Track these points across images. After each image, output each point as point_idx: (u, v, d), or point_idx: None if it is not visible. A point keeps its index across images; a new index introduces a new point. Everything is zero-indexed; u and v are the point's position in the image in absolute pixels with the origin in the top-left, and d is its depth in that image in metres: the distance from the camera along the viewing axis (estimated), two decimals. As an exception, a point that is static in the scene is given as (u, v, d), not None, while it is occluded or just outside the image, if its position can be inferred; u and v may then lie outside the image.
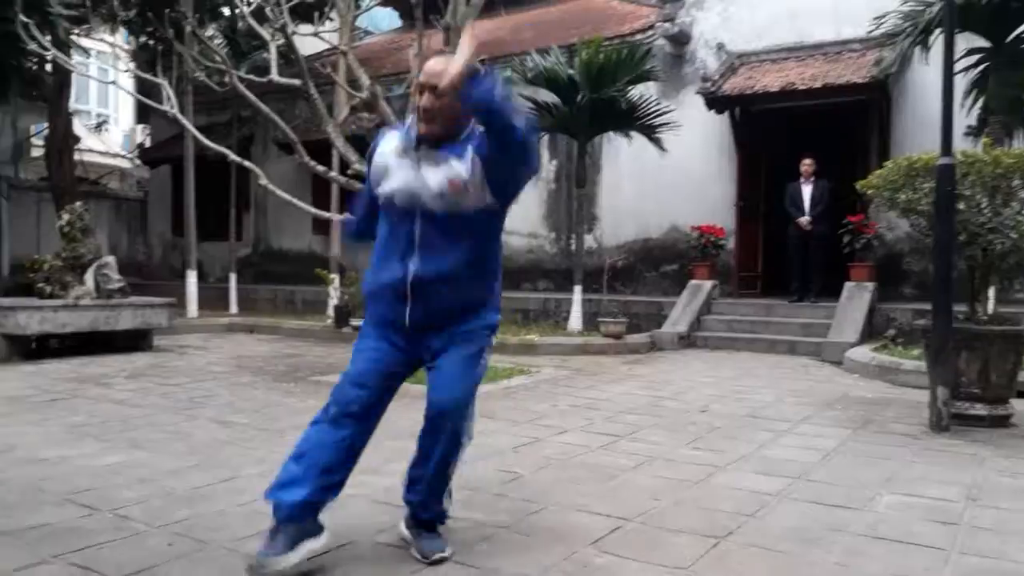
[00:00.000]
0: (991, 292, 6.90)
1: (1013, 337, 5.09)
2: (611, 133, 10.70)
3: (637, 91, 10.06)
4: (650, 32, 11.68)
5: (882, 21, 8.05)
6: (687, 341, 9.39)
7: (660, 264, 11.67)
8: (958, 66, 6.44)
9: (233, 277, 13.19)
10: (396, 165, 2.56)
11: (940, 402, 4.82)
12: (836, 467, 4.00)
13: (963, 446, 4.48)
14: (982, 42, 7.46)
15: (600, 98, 9.49)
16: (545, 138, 12.21)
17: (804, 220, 9.59)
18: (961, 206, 4.97)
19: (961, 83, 7.20)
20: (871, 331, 8.87)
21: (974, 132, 7.76)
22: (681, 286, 10.45)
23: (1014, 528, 3.06)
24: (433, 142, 2.51)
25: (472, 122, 2.53)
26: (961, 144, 6.47)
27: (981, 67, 7.53)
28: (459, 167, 2.47)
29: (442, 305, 2.55)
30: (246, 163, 7.48)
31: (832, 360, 8.14)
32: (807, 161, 9.76)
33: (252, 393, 6.07)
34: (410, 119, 2.58)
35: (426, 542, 2.65)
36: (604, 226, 12.19)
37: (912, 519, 3.15)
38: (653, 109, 10.02)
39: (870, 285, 9.20)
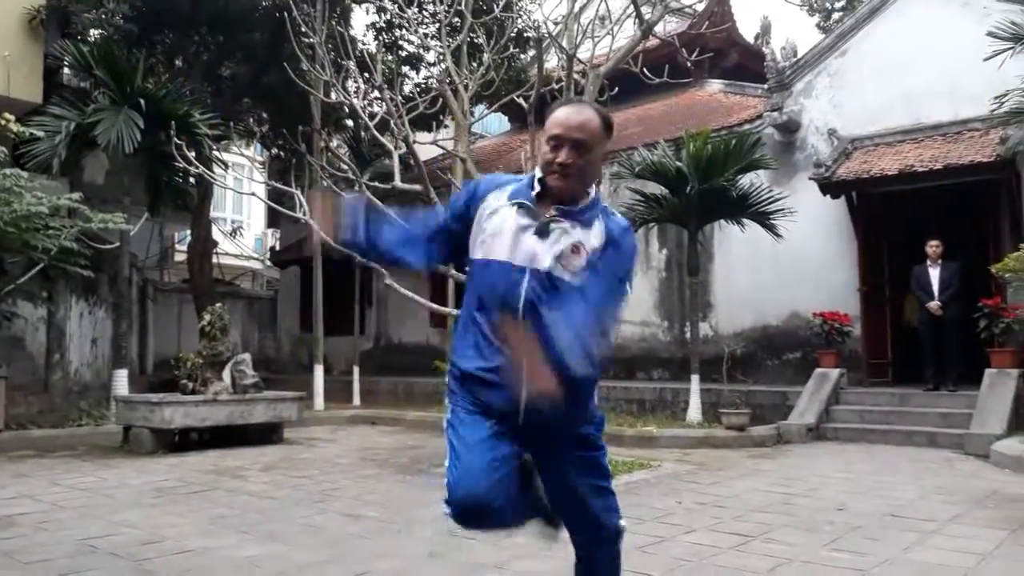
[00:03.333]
0: None
1: None
2: (722, 221, 10.67)
3: (747, 179, 10.04)
4: (758, 122, 11.72)
5: (1004, 99, 7.82)
6: (816, 433, 8.98)
7: (781, 352, 11.32)
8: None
9: (356, 370, 13.67)
10: (512, 226, 2.18)
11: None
12: (995, 573, 3.70)
13: None
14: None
15: (710, 188, 9.52)
16: (655, 228, 12.31)
17: (934, 305, 9.12)
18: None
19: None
20: (1019, 422, 8.23)
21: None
22: (805, 375, 10.07)
23: None
24: (557, 201, 2.20)
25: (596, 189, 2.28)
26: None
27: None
28: (584, 235, 2.19)
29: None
30: (371, 264, 7.86)
31: (977, 453, 7.58)
32: (933, 243, 9.34)
33: (377, 485, 6.22)
34: (526, 177, 2.27)
35: None
36: (719, 314, 12.00)
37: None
38: (765, 196, 9.96)
39: (1014, 372, 8.58)
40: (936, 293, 9.15)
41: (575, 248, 2.17)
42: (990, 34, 8.34)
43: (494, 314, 2.16)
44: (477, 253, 2.24)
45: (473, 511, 2.15)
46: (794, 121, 11.32)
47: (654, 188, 10.30)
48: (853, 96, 10.99)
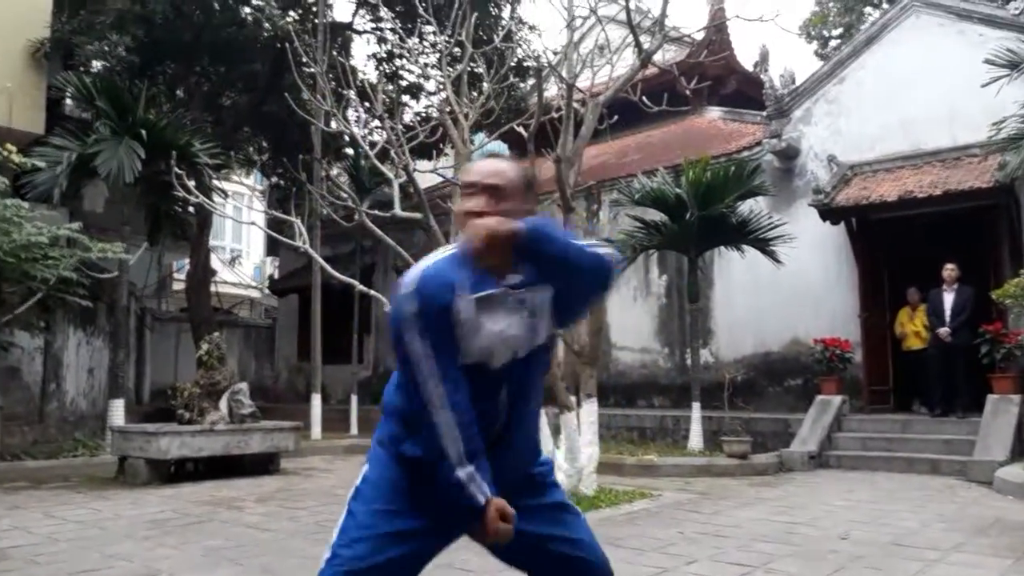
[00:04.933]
0: None
1: None
2: (722, 248, 10.68)
3: (747, 206, 10.06)
4: (757, 148, 11.77)
5: (1002, 126, 7.85)
6: (818, 461, 8.89)
7: (783, 378, 11.26)
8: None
9: (354, 399, 13.59)
10: (481, 312, 1.86)
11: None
12: (1003, 605, 3.63)
13: None
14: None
15: (709, 214, 9.54)
16: (654, 254, 12.30)
17: (944, 331, 9.04)
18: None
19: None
20: (1022, 448, 8.16)
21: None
22: (806, 401, 10.00)
23: None
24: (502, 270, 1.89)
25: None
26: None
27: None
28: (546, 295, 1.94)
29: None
30: (371, 291, 7.86)
31: (980, 480, 7.50)
32: (949, 267, 9.22)
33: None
34: (452, 250, 1.95)
35: None
36: (720, 340, 11.95)
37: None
38: (765, 223, 9.97)
39: (1016, 398, 8.51)
40: (948, 318, 9.10)
41: (536, 312, 1.94)
42: (987, 61, 8.40)
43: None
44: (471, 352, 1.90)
45: None
46: (793, 148, 11.37)
47: (654, 215, 10.31)
48: (852, 123, 11.04)
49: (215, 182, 12.53)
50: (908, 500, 6.65)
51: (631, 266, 11.63)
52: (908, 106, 10.45)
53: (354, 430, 13.25)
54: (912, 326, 9.72)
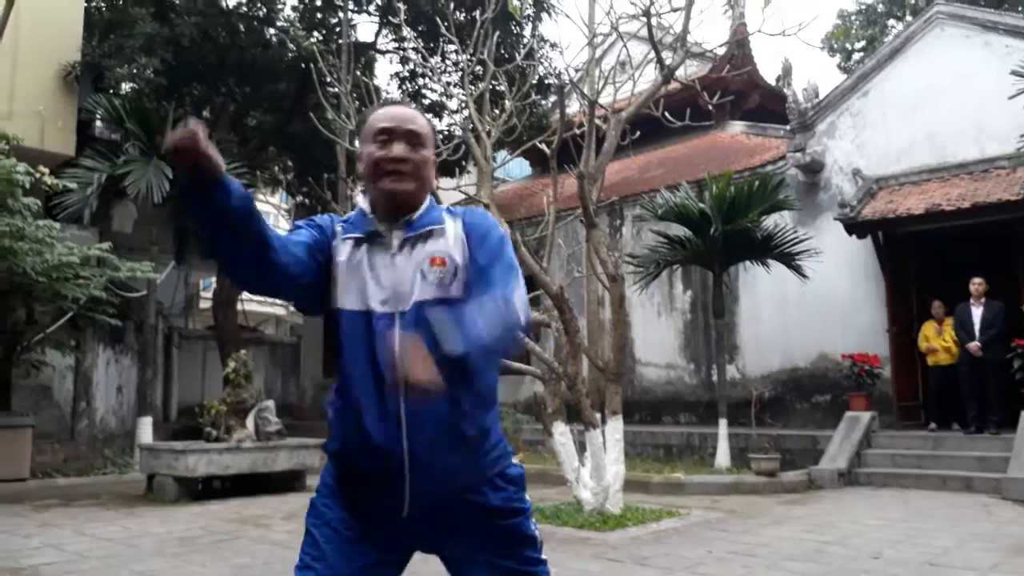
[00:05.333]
0: None
1: None
2: (747, 263, 10.61)
3: (772, 220, 10.00)
4: (781, 163, 11.70)
5: (1031, 137, 7.76)
6: (848, 478, 8.75)
7: (811, 395, 11.12)
8: None
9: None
10: (356, 266, 1.81)
11: None
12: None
13: None
14: None
15: (734, 229, 9.49)
16: (679, 270, 12.25)
17: (974, 346, 8.90)
18: None
19: None
20: (1060, 465, 7.97)
21: None
22: (835, 417, 9.87)
23: None
24: (396, 212, 1.83)
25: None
26: None
27: None
28: (440, 244, 1.83)
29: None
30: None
31: (1016, 498, 7.34)
32: (977, 280, 9.12)
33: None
34: (356, 207, 1.91)
35: None
36: (746, 356, 11.85)
37: None
38: (790, 237, 9.90)
39: (1052, 414, 8.35)
40: (977, 333, 8.96)
41: (433, 260, 1.80)
42: (1014, 73, 8.31)
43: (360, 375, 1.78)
44: (337, 302, 1.82)
45: None
46: (817, 162, 11.29)
47: (677, 230, 10.27)
48: (877, 136, 10.95)
49: (241, 201, 12.66)
50: (942, 519, 6.52)
51: (655, 281, 11.57)
52: (934, 119, 10.36)
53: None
54: (941, 341, 9.57)
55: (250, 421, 8.76)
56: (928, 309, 9.92)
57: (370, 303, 1.79)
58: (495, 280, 1.78)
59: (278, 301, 22.90)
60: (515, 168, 22.16)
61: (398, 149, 1.83)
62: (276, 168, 16.99)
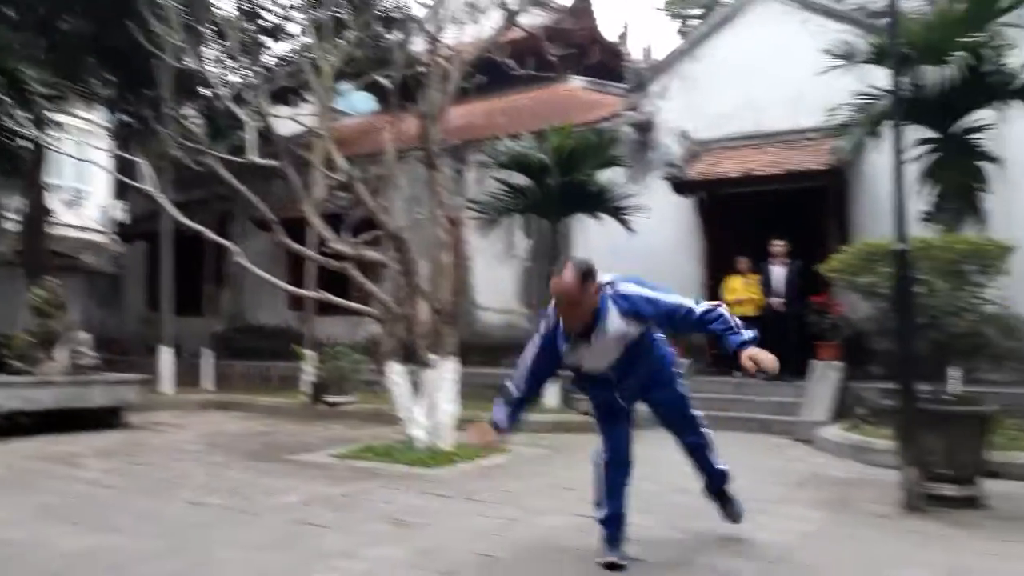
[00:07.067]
0: (956, 373, 7.11)
1: (977, 417, 5.19)
2: (582, 214, 11.00)
3: (605, 175, 10.39)
4: (616, 120, 12.10)
5: (836, 112, 8.46)
6: (661, 419, 9.42)
7: (633, 341, 11.80)
8: (911, 154, 6.77)
9: (208, 353, 13.09)
10: (579, 351, 3.53)
11: (911, 483, 4.88)
12: (814, 550, 4.06)
13: (937, 528, 4.51)
14: (931, 132, 7.87)
15: (571, 181, 9.80)
16: (519, 218, 12.51)
17: (776, 301, 9.79)
18: (920, 290, 5.17)
19: (913, 171, 7.56)
20: (841, 410, 8.99)
21: (929, 218, 8.09)
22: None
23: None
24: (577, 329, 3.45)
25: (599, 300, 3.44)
26: (917, 230, 6.77)
27: (932, 156, 7.90)
28: (621, 330, 3.47)
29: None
30: (222, 240, 7.57)
31: (805, 439, 8.22)
32: (778, 243, 10.01)
33: (226, 473, 6.01)
34: (555, 324, 3.54)
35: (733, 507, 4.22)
36: (578, 303, 12.33)
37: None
38: (621, 192, 10.35)
39: (837, 364, 9.39)
40: (779, 290, 9.85)
41: (617, 339, 3.50)
42: (825, 51, 9.00)
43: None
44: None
45: None
46: (649, 122, 11.80)
47: (519, 179, 10.45)
48: (704, 100, 11.56)
49: (50, 114, 11.52)
50: (741, 457, 7.14)
51: (496, 228, 11.78)
52: (755, 88, 11.05)
53: (208, 385, 12.80)
54: (748, 293, 10.40)
55: (62, 354, 8.18)
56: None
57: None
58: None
59: (98, 227, 21.17)
60: (361, 102, 21.54)
61: (566, 310, 3.43)
62: (94, 81, 15.50)
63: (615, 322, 3.41)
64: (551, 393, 9.91)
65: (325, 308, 9.61)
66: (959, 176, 7.51)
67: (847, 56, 7.96)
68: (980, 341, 5.31)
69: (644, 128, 11.84)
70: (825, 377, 9.23)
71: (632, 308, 3.43)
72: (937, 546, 4.13)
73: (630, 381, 3.69)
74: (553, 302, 3.40)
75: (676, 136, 11.62)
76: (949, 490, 5.03)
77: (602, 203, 10.28)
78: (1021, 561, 3.84)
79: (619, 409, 3.81)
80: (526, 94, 14.70)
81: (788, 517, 4.76)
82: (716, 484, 4.13)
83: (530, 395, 3.69)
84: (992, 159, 7.88)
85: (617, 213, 10.35)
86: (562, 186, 9.82)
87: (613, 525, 3.80)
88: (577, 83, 14.85)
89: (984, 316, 5.24)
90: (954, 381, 6.84)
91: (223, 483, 5.57)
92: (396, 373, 7.01)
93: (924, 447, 4.99)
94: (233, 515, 4.61)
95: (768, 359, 3.21)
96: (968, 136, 7.67)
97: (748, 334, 3.34)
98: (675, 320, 3.51)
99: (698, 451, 4.05)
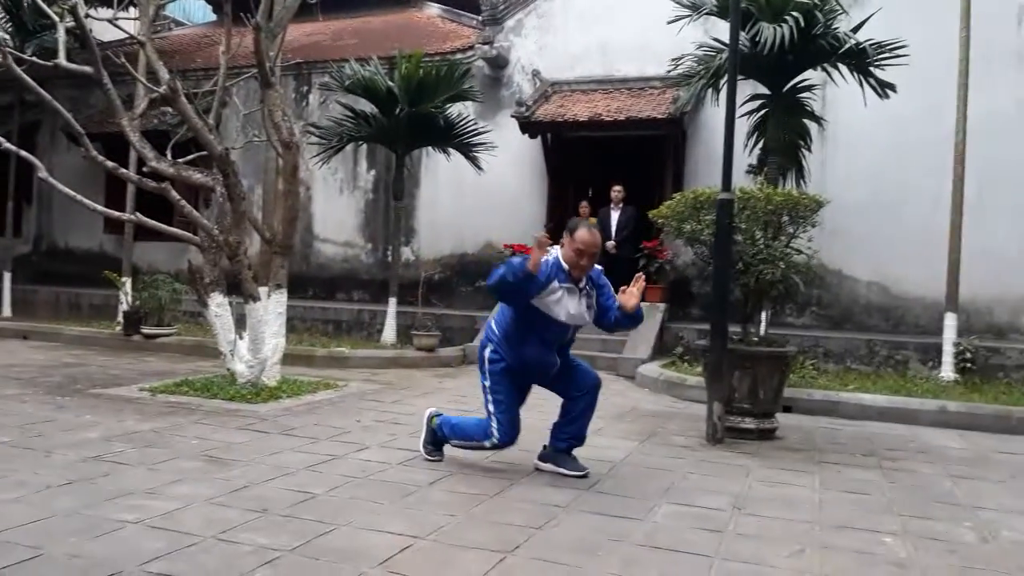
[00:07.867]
0: (764, 316, 7.63)
1: (779, 358, 5.66)
2: (430, 148, 10.79)
3: (456, 109, 10.22)
4: (470, 52, 11.89)
5: (679, 63, 8.68)
6: (497, 355, 9.57)
7: (475, 279, 11.81)
8: (743, 110, 7.05)
9: (8, 276, 11.90)
10: (563, 295, 4.05)
11: (715, 416, 5.25)
12: (622, 478, 4.25)
13: (733, 457, 4.90)
14: (765, 89, 8.25)
15: (419, 112, 9.54)
16: (364, 147, 12.10)
17: (610, 244, 10.09)
18: (738, 238, 5.46)
19: (745, 125, 7.91)
20: (662, 348, 9.50)
21: (754, 171, 8.55)
22: (494, 302, 10.63)
23: (772, 535, 3.37)
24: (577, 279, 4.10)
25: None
26: (743, 181, 7.13)
27: (762, 112, 8.31)
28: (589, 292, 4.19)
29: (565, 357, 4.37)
30: (23, 153, 6.81)
31: (626, 375, 8.64)
32: (616, 188, 10.32)
33: (19, 407, 5.50)
34: (555, 262, 4.04)
35: (572, 464, 4.30)
36: (422, 239, 12.22)
37: (685, 528, 3.40)
38: (471, 128, 10.22)
39: (661, 306, 9.86)
40: (613, 234, 10.14)
41: (590, 305, 4.20)
42: (674, 0, 9.15)
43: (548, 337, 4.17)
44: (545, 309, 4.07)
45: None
46: (503, 57, 11.66)
47: (365, 106, 10.07)
48: (557, 41, 11.55)
49: None
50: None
51: (339, 158, 11.33)
52: (607, 32, 11.17)
53: (7, 311, 11.69)
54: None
55: None
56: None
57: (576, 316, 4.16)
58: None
59: None
60: (198, 12, 19.99)
61: (586, 261, 4.06)
62: None
63: (593, 281, 4.21)
64: (390, 329, 9.80)
65: (146, 233, 8.92)
66: (786, 133, 7.92)
67: (694, 7, 8.13)
68: (789, 288, 5.69)
69: (498, 64, 11.70)
70: (649, 317, 9.61)
71: (597, 275, 4.23)
72: (731, 474, 4.44)
73: (567, 349, 4.31)
74: (572, 253, 3.99)
75: (529, 75, 11.56)
76: (749, 423, 5.46)
77: (451, 138, 10.13)
78: (799, 488, 4.18)
79: (536, 381, 4.33)
80: (379, 16, 14.13)
81: (602, 447, 4.97)
82: (579, 444, 4.41)
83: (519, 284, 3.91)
84: (817, 119, 8.40)
85: (466, 149, 10.23)
86: (410, 116, 9.56)
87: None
88: (433, 10, 14.41)
89: (793, 265, 5.60)
90: (762, 324, 7.35)
91: (14, 418, 5.08)
92: (218, 305, 6.63)
93: (730, 384, 5.37)
94: (21, 452, 4.21)
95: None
96: (797, 95, 8.09)
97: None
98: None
99: (590, 410, 4.39)
